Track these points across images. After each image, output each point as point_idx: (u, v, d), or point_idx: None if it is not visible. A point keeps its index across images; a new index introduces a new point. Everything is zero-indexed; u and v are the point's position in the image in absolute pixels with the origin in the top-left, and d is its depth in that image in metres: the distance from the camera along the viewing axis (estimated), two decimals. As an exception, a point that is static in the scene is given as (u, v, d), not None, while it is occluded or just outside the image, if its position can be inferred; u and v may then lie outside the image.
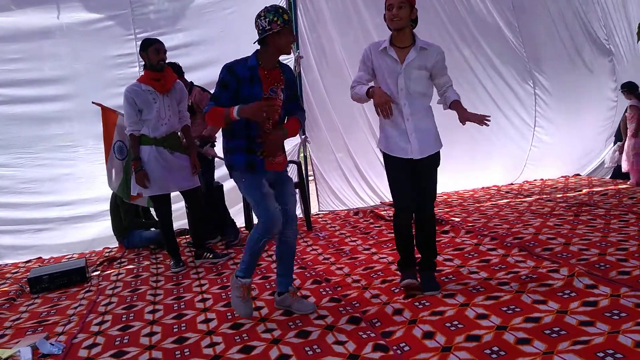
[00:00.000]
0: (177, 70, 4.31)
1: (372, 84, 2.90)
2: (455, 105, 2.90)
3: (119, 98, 4.88)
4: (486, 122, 2.80)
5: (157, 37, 4.02)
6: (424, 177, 2.96)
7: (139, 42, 4.89)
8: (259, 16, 2.64)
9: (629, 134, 5.89)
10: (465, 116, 2.85)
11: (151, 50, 3.71)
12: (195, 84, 4.51)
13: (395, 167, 2.92)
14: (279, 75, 2.75)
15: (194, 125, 4.37)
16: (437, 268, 3.14)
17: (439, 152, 2.98)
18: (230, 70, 2.66)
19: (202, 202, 4.15)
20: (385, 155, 2.97)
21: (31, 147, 4.89)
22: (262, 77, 2.68)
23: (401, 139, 2.87)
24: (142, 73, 3.85)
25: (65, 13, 4.86)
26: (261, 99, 2.64)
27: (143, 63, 3.84)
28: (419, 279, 2.98)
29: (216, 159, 4.55)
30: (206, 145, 4.43)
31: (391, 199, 4.31)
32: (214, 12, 5.26)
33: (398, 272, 3.15)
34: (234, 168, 2.76)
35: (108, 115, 4.28)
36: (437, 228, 3.78)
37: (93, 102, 4.29)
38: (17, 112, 4.82)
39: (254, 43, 2.73)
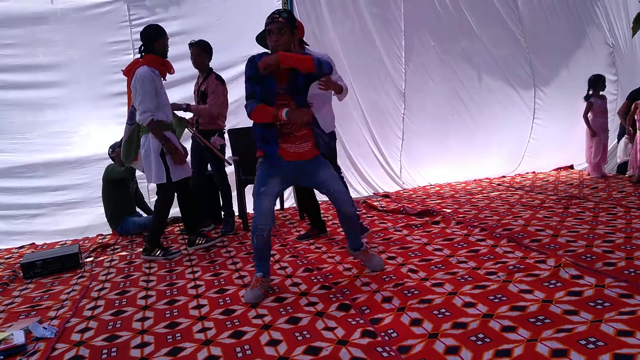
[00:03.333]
0: (205, 48, 4.36)
1: None
2: None
3: (114, 85, 4.93)
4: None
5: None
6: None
7: (134, 29, 4.92)
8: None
9: None
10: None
11: (163, 41, 3.79)
12: (213, 70, 4.52)
13: None
14: (290, 73, 2.79)
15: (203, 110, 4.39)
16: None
17: (330, 133, 3.75)
18: (251, 61, 2.78)
19: (192, 190, 4.19)
20: None
21: (25, 133, 4.89)
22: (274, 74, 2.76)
23: None
24: (140, 59, 3.81)
25: (60, -2, 4.84)
26: (274, 92, 2.75)
27: (142, 49, 3.78)
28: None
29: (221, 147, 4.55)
30: (214, 135, 4.42)
31: (385, 190, 4.79)
32: (209, 0, 5.26)
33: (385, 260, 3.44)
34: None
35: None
36: (428, 219, 4.21)
37: (122, 70, 4.17)
38: (11, 97, 4.82)
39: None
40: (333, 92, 3.77)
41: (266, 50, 2.83)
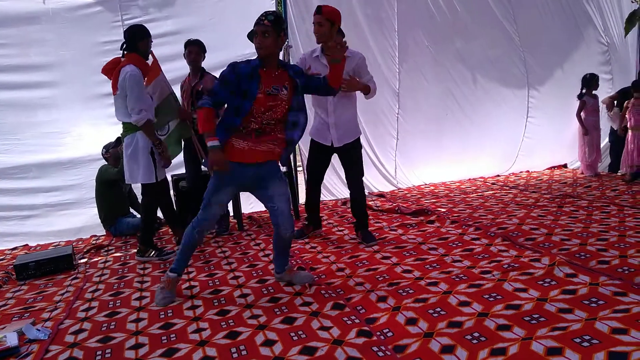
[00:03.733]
0: (202, 47, 4.37)
1: None
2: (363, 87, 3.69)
3: (106, 85, 4.84)
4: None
5: (145, 24, 3.99)
6: (347, 161, 3.83)
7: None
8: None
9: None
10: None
11: (148, 41, 3.75)
12: (206, 70, 4.52)
13: (316, 149, 3.89)
14: (284, 76, 2.82)
15: None
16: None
17: (357, 138, 3.80)
18: (233, 67, 2.79)
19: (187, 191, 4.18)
20: (311, 141, 3.90)
21: (17, 134, 4.84)
22: (261, 75, 2.76)
23: (324, 129, 3.74)
24: (122, 57, 3.77)
25: (51, -2, 4.81)
26: (256, 95, 2.72)
27: (124, 45, 3.75)
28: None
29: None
30: None
31: (379, 190, 4.75)
32: (202, 0, 5.24)
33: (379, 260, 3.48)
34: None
35: (153, 69, 4.03)
36: (423, 218, 4.18)
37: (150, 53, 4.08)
38: (2, 98, 4.76)
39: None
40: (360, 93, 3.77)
41: (250, 59, 2.84)
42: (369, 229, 4.01)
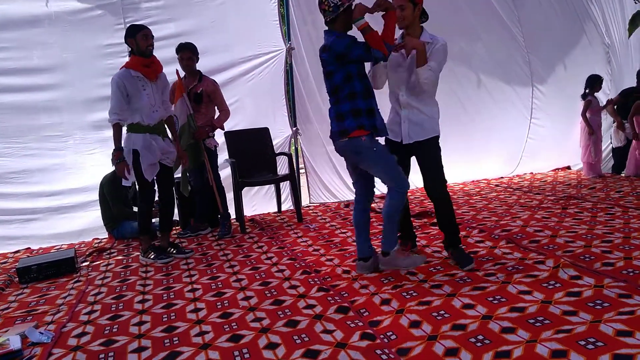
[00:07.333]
0: (194, 51, 4.39)
1: None
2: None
3: (109, 88, 4.89)
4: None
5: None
6: (422, 161, 3.22)
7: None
8: (321, 2, 2.93)
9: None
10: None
11: (140, 35, 3.68)
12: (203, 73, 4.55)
13: (390, 149, 3.18)
14: None
15: (199, 114, 4.42)
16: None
17: (434, 137, 3.16)
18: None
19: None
20: (385, 139, 3.27)
21: (20, 137, 4.86)
22: None
23: (395, 124, 3.20)
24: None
25: (54, 1, 4.82)
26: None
27: (129, 50, 3.82)
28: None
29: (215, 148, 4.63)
30: (208, 138, 4.49)
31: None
32: (204, 2, 5.25)
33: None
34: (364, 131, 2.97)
35: (178, 89, 4.32)
36: (426, 220, 4.12)
37: (177, 70, 4.31)
38: (5, 101, 4.78)
39: (327, 23, 3.00)
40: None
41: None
42: (372, 230, 3.97)
